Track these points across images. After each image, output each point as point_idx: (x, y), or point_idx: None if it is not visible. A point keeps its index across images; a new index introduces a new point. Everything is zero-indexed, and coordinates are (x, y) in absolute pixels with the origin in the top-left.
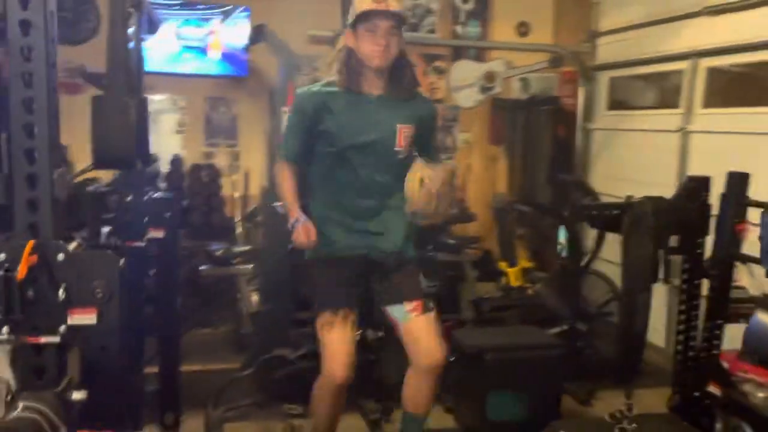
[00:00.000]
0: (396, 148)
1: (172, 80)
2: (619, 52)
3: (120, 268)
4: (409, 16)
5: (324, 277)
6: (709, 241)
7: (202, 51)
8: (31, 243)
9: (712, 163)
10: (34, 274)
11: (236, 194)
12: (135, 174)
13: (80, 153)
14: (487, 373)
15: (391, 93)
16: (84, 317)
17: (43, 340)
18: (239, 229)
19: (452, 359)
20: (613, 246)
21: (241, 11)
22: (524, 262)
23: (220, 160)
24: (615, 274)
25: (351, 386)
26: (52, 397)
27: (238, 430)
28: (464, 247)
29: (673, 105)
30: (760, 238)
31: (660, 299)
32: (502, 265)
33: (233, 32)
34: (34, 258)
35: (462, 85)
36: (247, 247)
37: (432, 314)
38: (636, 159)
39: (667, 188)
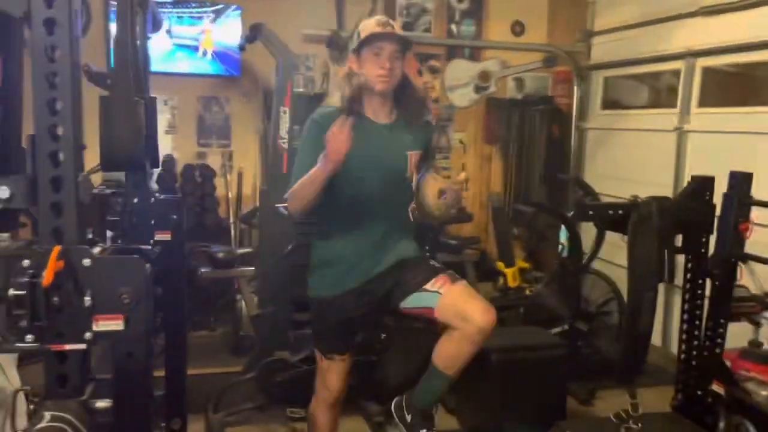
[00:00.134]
0: (406, 174)
1: (164, 79)
2: (613, 52)
3: (147, 273)
4: (411, 40)
5: (324, 320)
6: (711, 240)
7: (195, 50)
8: (57, 248)
9: (708, 163)
10: (60, 280)
11: (230, 194)
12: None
13: None
14: (494, 374)
15: (400, 120)
16: (110, 323)
17: (68, 347)
18: (233, 231)
19: None
20: (611, 246)
21: (234, 10)
22: (521, 262)
23: (213, 160)
24: (613, 273)
25: (352, 388)
26: (77, 406)
27: None
28: (465, 248)
29: (669, 104)
30: None
31: (657, 298)
32: (500, 266)
33: (225, 31)
34: (60, 263)
35: (457, 84)
36: (248, 249)
37: (464, 281)
38: (631, 158)
39: (663, 187)
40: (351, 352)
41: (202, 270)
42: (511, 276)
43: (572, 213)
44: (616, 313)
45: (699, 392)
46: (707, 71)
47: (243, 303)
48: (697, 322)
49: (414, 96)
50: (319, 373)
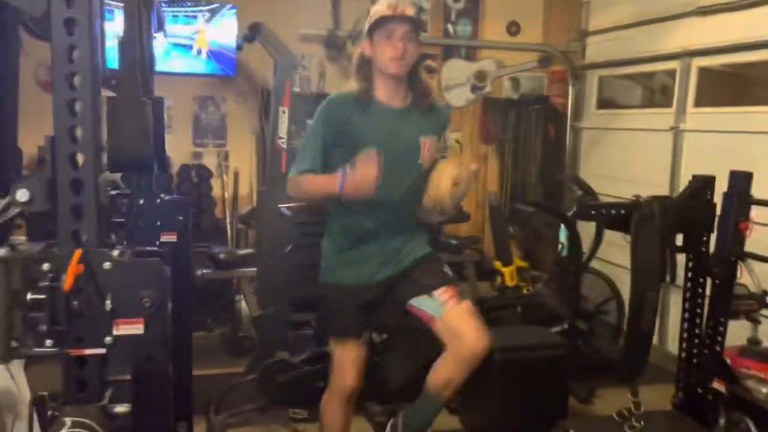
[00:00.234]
0: (419, 162)
1: (159, 79)
2: (608, 52)
3: (168, 276)
4: (424, 21)
5: (337, 304)
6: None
7: (190, 49)
8: (78, 252)
9: (704, 162)
10: (80, 284)
11: (226, 195)
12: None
13: None
14: (496, 373)
15: (413, 104)
16: (131, 327)
17: (88, 351)
18: (230, 231)
19: None
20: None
21: (229, 9)
22: (518, 261)
23: (209, 161)
24: (612, 273)
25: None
26: (97, 411)
27: None
28: (465, 248)
29: (665, 104)
30: None
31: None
32: (497, 265)
33: (221, 30)
34: (81, 267)
35: (453, 84)
36: (250, 250)
37: (469, 301)
38: (626, 158)
39: (658, 187)
40: (364, 340)
41: (204, 271)
42: (508, 275)
43: (573, 212)
44: (614, 312)
45: (700, 390)
46: (703, 71)
47: (243, 304)
48: (698, 321)
49: (419, 80)
50: (333, 365)
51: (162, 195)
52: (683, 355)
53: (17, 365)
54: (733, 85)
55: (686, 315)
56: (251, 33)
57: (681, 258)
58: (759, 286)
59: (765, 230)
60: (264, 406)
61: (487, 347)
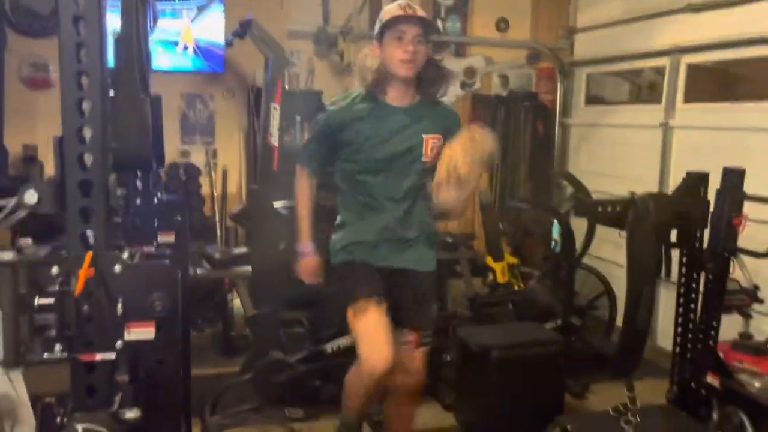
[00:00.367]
0: (423, 159)
1: None
2: (596, 49)
3: (178, 278)
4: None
5: (353, 271)
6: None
7: (176, 45)
8: (90, 255)
9: (694, 158)
10: (90, 287)
11: (215, 193)
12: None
13: (49, 152)
14: (494, 370)
15: (420, 103)
16: (142, 331)
17: (99, 357)
18: (219, 229)
19: (449, 359)
20: (601, 242)
21: (217, 4)
22: (509, 257)
23: (197, 158)
24: (604, 269)
25: None
26: (107, 417)
27: None
28: (461, 245)
29: (654, 100)
30: None
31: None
32: (489, 261)
33: (208, 26)
34: (91, 271)
35: None
36: (244, 249)
37: (425, 349)
38: (615, 154)
39: (648, 183)
40: (386, 304)
41: (199, 270)
42: (500, 271)
43: (570, 209)
44: (607, 308)
45: (693, 384)
46: (692, 67)
47: (236, 303)
48: (692, 316)
49: (439, 74)
50: (362, 338)
51: (159, 194)
52: (677, 349)
53: (18, 379)
54: (722, 81)
55: (680, 310)
56: (242, 29)
57: (675, 253)
58: (750, 281)
59: (755, 226)
60: (260, 405)
61: (420, 383)
